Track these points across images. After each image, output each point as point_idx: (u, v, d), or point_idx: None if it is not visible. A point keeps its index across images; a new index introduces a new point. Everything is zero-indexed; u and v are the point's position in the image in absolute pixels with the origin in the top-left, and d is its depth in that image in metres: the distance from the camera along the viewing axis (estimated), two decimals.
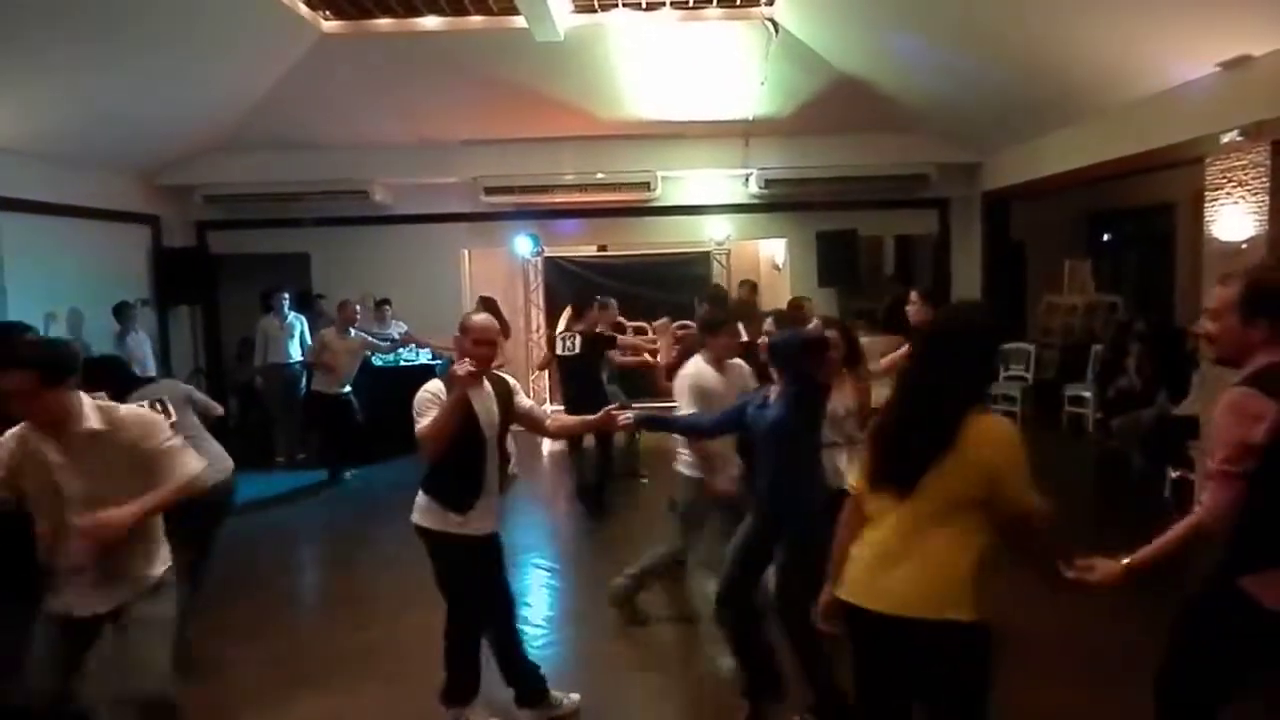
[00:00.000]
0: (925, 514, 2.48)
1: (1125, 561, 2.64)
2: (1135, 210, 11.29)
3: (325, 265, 11.22)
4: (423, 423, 3.56)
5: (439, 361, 10.33)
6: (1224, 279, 2.60)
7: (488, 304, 8.09)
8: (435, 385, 3.70)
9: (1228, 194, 6.22)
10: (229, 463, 4.64)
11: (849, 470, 3.85)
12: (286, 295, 9.82)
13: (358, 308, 9.14)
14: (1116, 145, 7.71)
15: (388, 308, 10.18)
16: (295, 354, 9.61)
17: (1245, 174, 6.06)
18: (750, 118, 9.98)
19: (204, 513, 4.20)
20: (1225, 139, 6.16)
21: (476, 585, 3.81)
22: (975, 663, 2.49)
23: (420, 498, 3.76)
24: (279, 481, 8.71)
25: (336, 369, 8.70)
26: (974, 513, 2.46)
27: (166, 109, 8.82)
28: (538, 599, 5.66)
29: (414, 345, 9.86)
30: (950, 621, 2.41)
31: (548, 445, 10.31)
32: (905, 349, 4.55)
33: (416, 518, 3.76)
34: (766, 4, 8.22)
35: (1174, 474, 7.09)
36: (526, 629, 5.09)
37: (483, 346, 3.68)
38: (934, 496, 2.46)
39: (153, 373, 9.45)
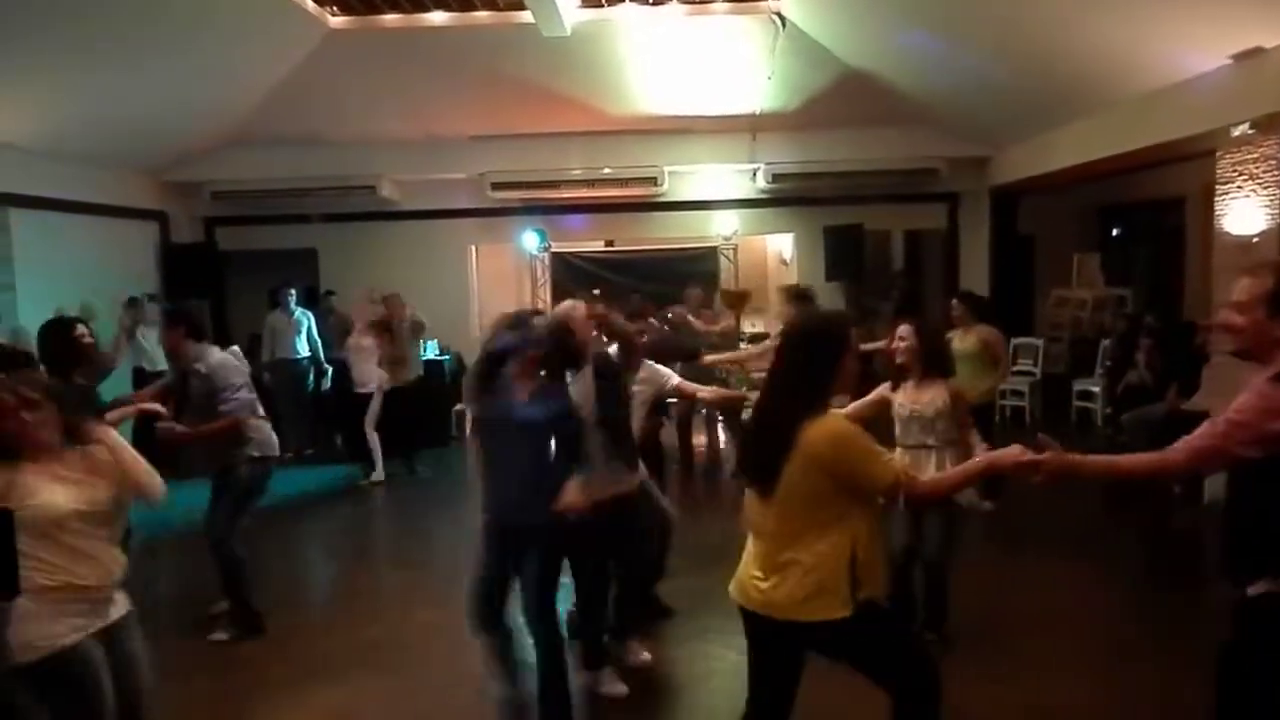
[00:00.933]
0: (788, 514, 2.55)
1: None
2: (1145, 204, 11.22)
3: (333, 261, 11.24)
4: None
5: (446, 356, 10.38)
6: (1252, 270, 2.52)
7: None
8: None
9: (1239, 187, 6.19)
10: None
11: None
12: (293, 291, 9.85)
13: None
14: (1127, 139, 7.66)
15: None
16: (303, 349, 9.64)
17: (1256, 167, 6.03)
18: (757, 112, 9.96)
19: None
20: (1236, 132, 6.13)
21: None
22: (863, 646, 2.59)
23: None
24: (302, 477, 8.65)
25: (407, 359, 8.76)
26: (834, 507, 2.51)
27: (175, 106, 8.84)
28: None
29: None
30: (823, 622, 2.50)
31: None
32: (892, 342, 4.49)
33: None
34: None
35: None
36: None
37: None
38: (790, 497, 2.53)
39: (162, 366, 9.51)
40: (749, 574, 2.64)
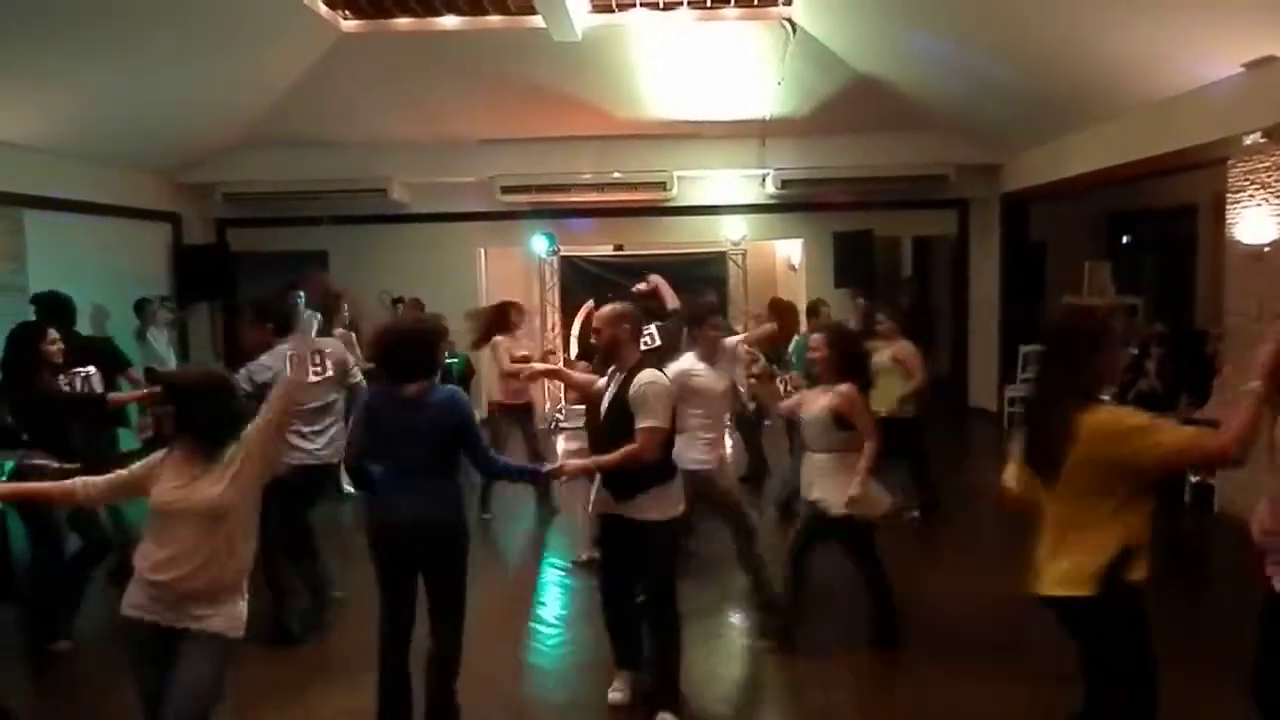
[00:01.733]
0: (1069, 501, 2.70)
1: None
2: (1156, 212, 11.17)
3: (343, 263, 11.27)
4: (651, 422, 3.63)
5: (455, 359, 10.36)
6: None
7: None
8: (665, 379, 3.78)
9: (1250, 196, 6.16)
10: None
11: None
12: (301, 293, 9.86)
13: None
14: (1138, 146, 7.64)
15: (401, 306, 10.21)
16: None
17: (1268, 176, 6.00)
18: (767, 117, 9.97)
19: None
20: (1248, 140, 6.10)
21: None
22: (1108, 630, 2.75)
23: (652, 493, 3.74)
24: None
25: None
26: (1114, 495, 2.64)
27: (188, 108, 8.89)
28: (551, 598, 5.68)
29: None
30: (1078, 597, 2.68)
31: (562, 444, 10.35)
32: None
33: (655, 514, 3.76)
34: (784, 4, 8.20)
35: (1194, 479, 7.03)
36: (540, 628, 5.13)
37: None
38: (1070, 485, 2.68)
39: (173, 366, 9.56)
40: (1040, 562, 2.80)
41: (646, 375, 3.71)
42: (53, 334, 4.80)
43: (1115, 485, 2.62)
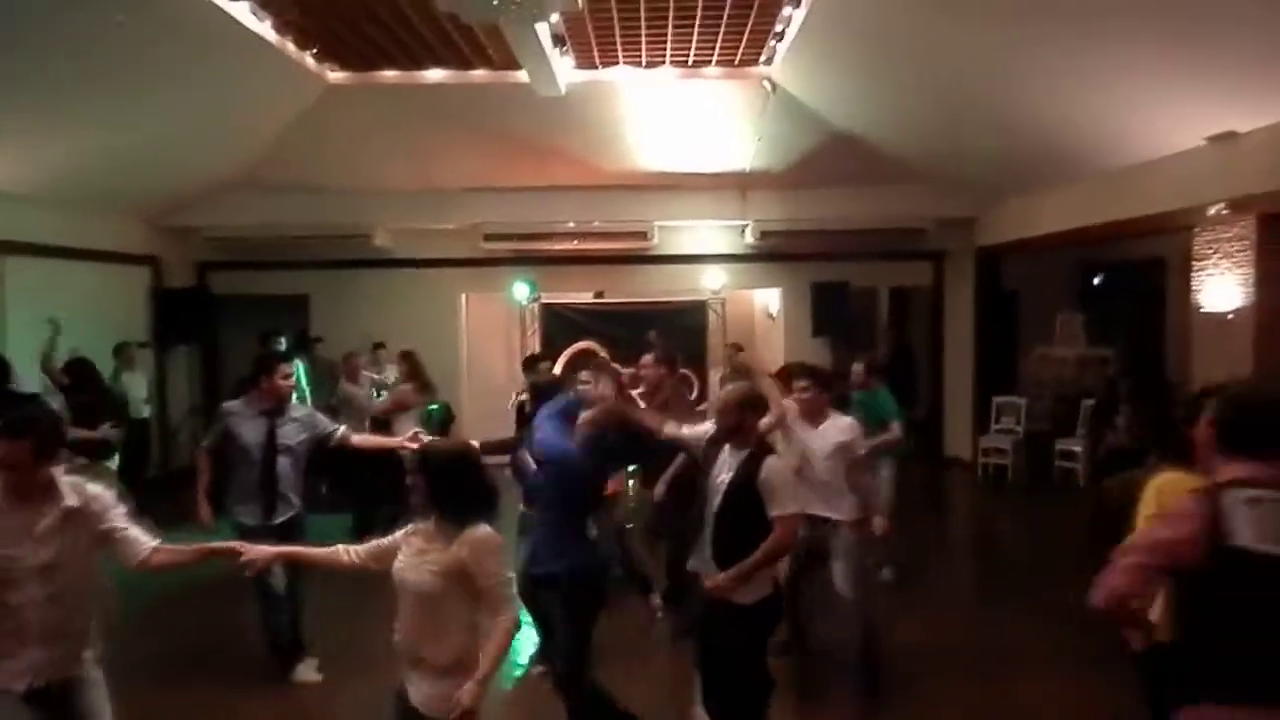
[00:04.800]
0: None
1: None
2: (1127, 264, 11.43)
3: (324, 307, 11.29)
4: (794, 510, 3.70)
5: (435, 406, 10.36)
6: None
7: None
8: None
9: (1214, 264, 6.34)
10: None
11: None
12: (283, 338, 9.87)
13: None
14: (1107, 209, 7.86)
15: (382, 350, 10.23)
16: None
17: (1231, 245, 6.19)
18: (747, 170, 10.13)
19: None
20: (1211, 211, 6.30)
21: None
22: None
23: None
24: None
25: None
26: None
27: (175, 155, 8.95)
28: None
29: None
30: None
31: None
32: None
33: (760, 593, 3.72)
34: (764, 63, 8.38)
35: None
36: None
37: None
38: None
39: (145, 413, 9.52)
40: None
41: (774, 460, 3.74)
42: None
43: None
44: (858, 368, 6.83)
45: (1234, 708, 2.23)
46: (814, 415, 4.87)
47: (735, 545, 3.67)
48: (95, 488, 3.15)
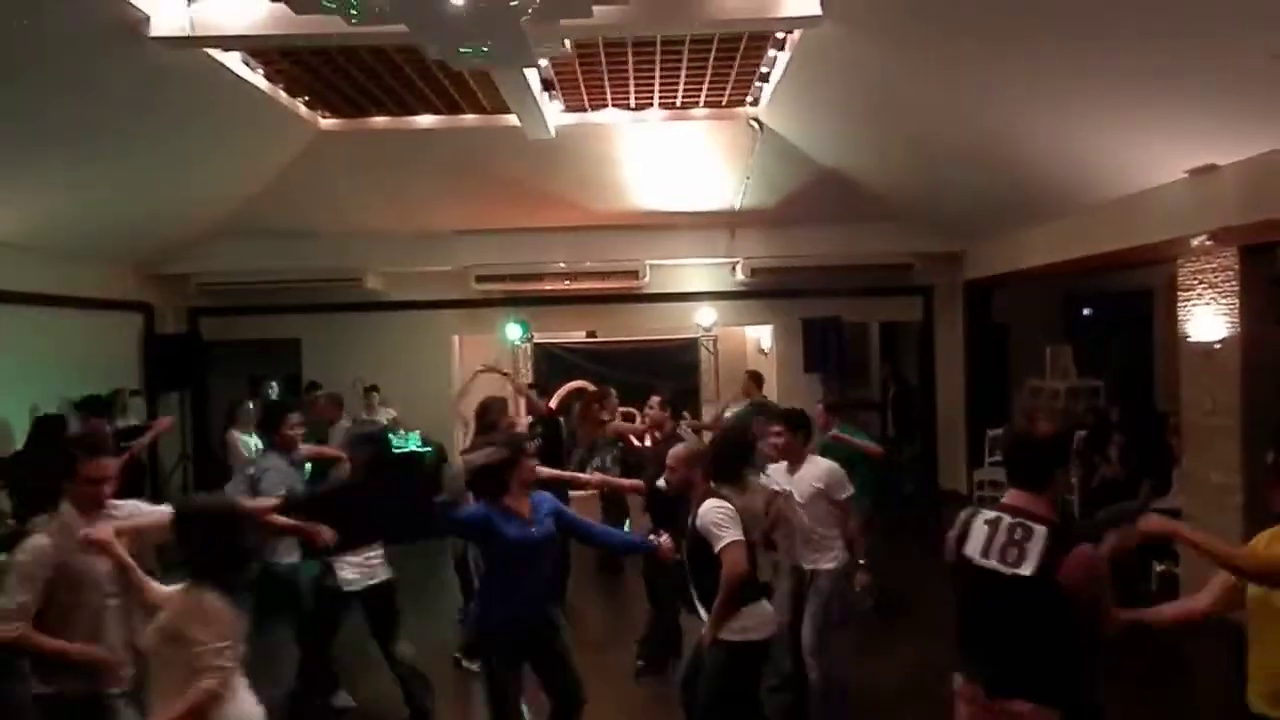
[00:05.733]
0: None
1: None
2: (1114, 295, 11.54)
3: (316, 351, 11.30)
4: (731, 539, 3.80)
5: (429, 449, 10.35)
6: None
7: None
8: (727, 505, 3.93)
9: (1199, 295, 6.41)
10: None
11: None
12: (274, 384, 9.87)
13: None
14: (1092, 242, 7.95)
15: (375, 394, 10.23)
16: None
17: (1215, 276, 6.25)
18: (736, 208, 10.23)
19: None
20: (1195, 242, 6.37)
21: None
22: None
23: (746, 613, 3.85)
24: None
25: None
26: None
27: (165, 203, 8.99)
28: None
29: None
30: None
31: None
32: None
33: (748, 635, 3.84)
34: (751, 104, 8.50)
35: (1159, 568, 7.14)
36: None
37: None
38: None
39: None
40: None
41: (706, 504, 3.93)
42: None
43: None
44: (819, 407, 6.80)
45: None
46: (790, 459, 4.89)
47: (709, 588, 3.86)
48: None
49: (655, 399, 6.58)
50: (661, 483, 4.53)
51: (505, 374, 8.02)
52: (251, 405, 8.35)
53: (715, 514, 3.84)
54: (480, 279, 10.83)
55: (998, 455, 10.69)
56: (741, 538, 3.82)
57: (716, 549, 3.78)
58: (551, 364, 11.35)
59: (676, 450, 4.24)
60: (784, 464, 4.93)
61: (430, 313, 11.38)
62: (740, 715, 3.97)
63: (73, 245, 8.97)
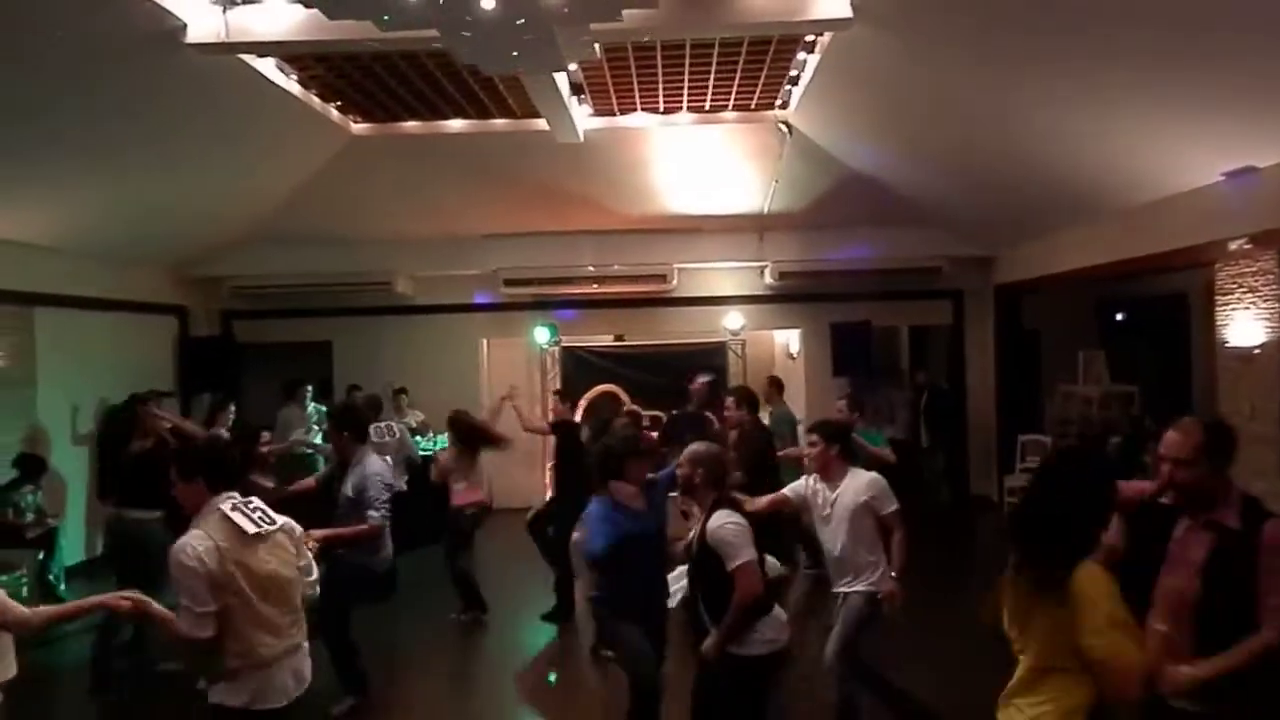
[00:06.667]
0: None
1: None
2: (1148, 300, 11.37)
3: (346, 353, 11.41)
4: (745, 559, 3.69)
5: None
6: (1181, 427, 2.80)
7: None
8: (739, 519, 3.81)
9: (1238, 299, 6.30)
10: None
11: None
12: (310, 387, 9.98)
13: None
14: (1126, 246, 7.83)
15: (404, 396, 10.31)
16: (316, 442, 9.70)
17: (1255, 280, 6.14)
18: (765, 212, 10.21)
19: None
20: (1233, 246, 6.26)
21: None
22: None
23: (763, 625, 3.77)
24: None
25: None
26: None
27: (199, 207, 9.13)
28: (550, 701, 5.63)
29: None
30: None
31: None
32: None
33: (760, 649, 3.76)
34: (780, 107, 8.48)
35: None
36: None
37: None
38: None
39: None
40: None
41: (718, 516, 3.78)
42: None
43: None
44: (839, 404, 6.78)
45: None
46: (827, 473, 4.58)
47: (716, 600, 3.75)
48: None
49: (730, 400, 6.95)
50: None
51: (515, 406, 8.05)
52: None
53: (728, 530, 3.71)
54: (509, 282, 10.88)
55: (1029, 460, 10.59)
56: (754, 555, 3.71)
57: (730, 568, 3.67)
58: (579, 367, 11.35)
59: (694, 450, 4.01)
60: (815, 478, 4.64)
61: (460, 316, 11.45)
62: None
63: (108, 249, 9.13)
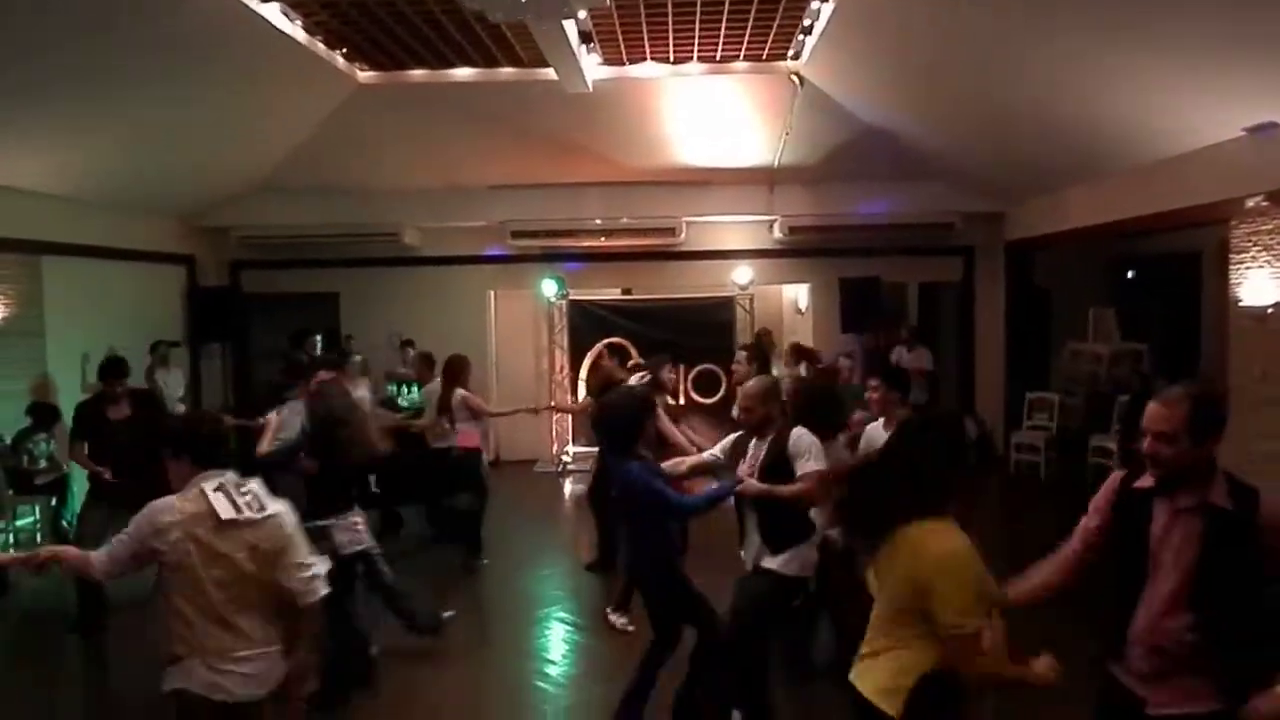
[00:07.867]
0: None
1: None
2: (1161, 258, 11.27)
3: (353, 304, 11.40)
4: (818, 466, 3.87)
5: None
6: (1165, 400, 2.56)
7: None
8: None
9: (1253, 258, 6.23)
10: None
11: None
12: (319, 337, 9.99)
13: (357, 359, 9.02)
14: (1141, 203, 7.73)
15: (410, 348, 10.31)
16: None
17: (1271, 238, 6.07)
18: (775, 165, 10.09)
19: None
20: (1250, 203, 6.17)
21: None
22: None
23: (796, 549, 4.01)
24: None
25: None
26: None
27: (207, 156, 9.07)
28: (560, 654, 5.69)
29: None
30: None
31: (569, 486, 10.42)
32: None
33: (797, 569, 4.02)
34: (792, 58, 8.34)
35: None
36: (548, 687, 5.14)
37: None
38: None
39: (181, 409, 9.64)
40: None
41: (798, 429, 4.04)
42: None
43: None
44: (845, 362, 6.72)
45: None
46: (885, 414, 4.86)
47: (780, 524, 3.97)
48: None
49: (740, 354, 6.89)
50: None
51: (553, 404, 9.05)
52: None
53: (809, 441, 3.96)
54: (516, 234, 10.83)
55: (1036, 419, 10.59)
56: (824, 468, 3.87)
57: (799, 470, 3.88)
58: (586, 321, 11.33)
59: (750, 387, 4.18)
60: (880, 422, 4.87)
61: (466, 268, 11.42)
62: (763, 641, 4.17)
63: (116, 198, 9.08)
